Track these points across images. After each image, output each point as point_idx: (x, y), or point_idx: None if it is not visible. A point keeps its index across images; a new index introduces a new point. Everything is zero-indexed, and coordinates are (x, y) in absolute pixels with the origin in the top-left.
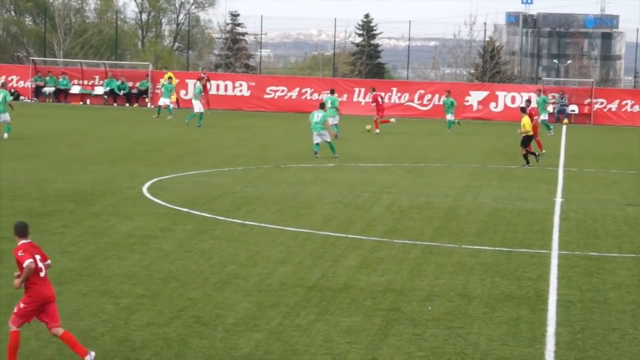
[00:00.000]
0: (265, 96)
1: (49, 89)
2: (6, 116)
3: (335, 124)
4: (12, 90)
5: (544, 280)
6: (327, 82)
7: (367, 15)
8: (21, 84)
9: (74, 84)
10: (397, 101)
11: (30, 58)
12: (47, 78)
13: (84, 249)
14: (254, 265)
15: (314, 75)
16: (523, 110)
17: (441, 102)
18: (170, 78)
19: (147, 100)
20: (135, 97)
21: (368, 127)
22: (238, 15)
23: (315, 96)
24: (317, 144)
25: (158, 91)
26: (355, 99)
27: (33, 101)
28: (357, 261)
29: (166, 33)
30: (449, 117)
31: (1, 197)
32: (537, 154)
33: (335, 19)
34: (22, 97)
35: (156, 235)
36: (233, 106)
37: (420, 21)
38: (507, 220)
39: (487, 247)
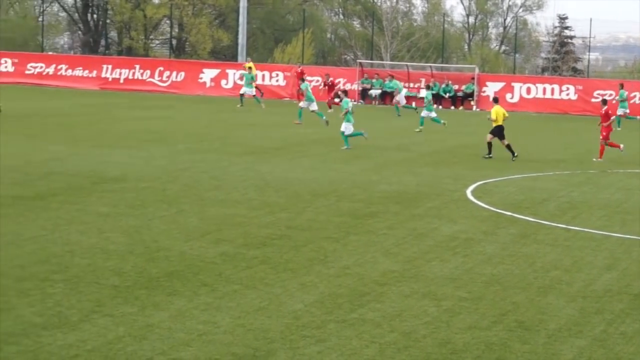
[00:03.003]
0: (593, 100)
1: (375, 92)
2: None
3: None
4: None
5: None
6: None
7: None
8: (348, 86)
9: None
10: None
11: (358, 61)
12: (374, 81)
13: (407, 251)
14: (578, 271)
15: None
16: (495, 100)
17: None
18: (250, 68)
19: (472, 103)
20: (461, 100)
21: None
22: (566, 18)
23: None
24: None
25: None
26: None
27: (359, 103)
28: None
29: (492, 36)
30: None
31: (326, 198)
32: (514, 154)
33: None
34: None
35: (479, 238)
36: (559, 110)
37: None
38: None
39: None
